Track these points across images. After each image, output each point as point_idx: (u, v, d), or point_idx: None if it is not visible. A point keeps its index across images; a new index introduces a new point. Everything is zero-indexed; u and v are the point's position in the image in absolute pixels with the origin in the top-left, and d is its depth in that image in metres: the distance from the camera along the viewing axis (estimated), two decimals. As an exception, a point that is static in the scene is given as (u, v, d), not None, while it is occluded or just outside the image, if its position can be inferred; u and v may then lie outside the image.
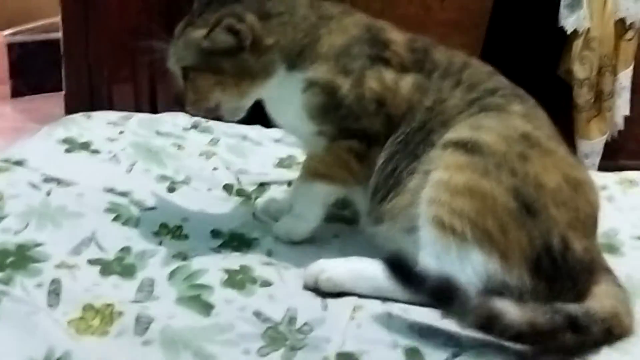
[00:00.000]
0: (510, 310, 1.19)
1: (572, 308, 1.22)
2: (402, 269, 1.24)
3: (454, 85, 1.47)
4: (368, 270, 1.34)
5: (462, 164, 1.32)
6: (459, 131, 1.37)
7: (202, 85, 1.45)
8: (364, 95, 1.46)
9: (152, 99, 3.86)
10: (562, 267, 1.27)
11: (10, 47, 4.76)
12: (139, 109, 3.72)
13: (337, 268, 1.36)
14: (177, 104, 1.50)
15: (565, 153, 1.40)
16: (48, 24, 4.81)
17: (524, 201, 1.28)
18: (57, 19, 4.15)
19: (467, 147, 1.33)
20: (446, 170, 1.33)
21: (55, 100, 4.33)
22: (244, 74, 1.44)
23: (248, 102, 1.51)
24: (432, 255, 1.29)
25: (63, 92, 4.12)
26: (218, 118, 1.59)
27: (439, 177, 1.33)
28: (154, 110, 3.76)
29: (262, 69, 1.45)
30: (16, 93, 4.80)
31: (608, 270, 1.38)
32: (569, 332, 1.19)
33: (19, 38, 4.82)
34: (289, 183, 1.84)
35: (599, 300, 1.27)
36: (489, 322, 1.18)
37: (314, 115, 1.48)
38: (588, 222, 1.34)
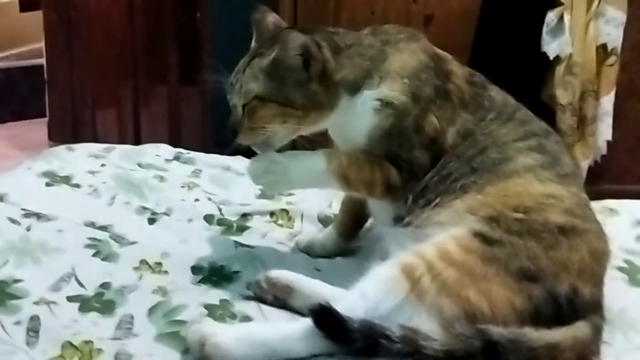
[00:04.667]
0: (432, 337, 1.17)
1: (500, 334, 1.19)
2: (329, 318, 1.20)
3: (505, 120, 1.48)
4: (258, 334, 1.23)
5: (472, 248, 1.28)
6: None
7: (264, 115, 1.42)
8: (424, 128, 1.45)
9: (136, 124, 3.87)
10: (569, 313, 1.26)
11: (-7, 72, 4.75)
12: (122, 135, 3.76)
13: (225, 333, 1.22)
14: (230, 133, 1.46)
15: (594, 220, 1.40)
16: (31, 49, 4.81)
17: (527, 276, 1.25)
18: (41, 44, 4.16)
19: (489, 241, 1.29)
20: (454, 243, 1.28)
21: (39, 127, 4.32)
22: (311, 105, 1.43)
23: (304, 132, 1.50)
24: (375, 292, 1.24)
25: (46, 119, 4.11)
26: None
27: (442, 243, 1.29)
28: (137, 135, 3.78)
29: (328, 100, 1.44)
30: (-1, 119, 4.78)
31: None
32: (480, 358, 1.17)
33: (2, 64, 4.81)
34: (271, 214, 1.84)
35: (551, 331, 1.22)
36: (414, 352, 1.17)
37: (377, 137, 1.45)
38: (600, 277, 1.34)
